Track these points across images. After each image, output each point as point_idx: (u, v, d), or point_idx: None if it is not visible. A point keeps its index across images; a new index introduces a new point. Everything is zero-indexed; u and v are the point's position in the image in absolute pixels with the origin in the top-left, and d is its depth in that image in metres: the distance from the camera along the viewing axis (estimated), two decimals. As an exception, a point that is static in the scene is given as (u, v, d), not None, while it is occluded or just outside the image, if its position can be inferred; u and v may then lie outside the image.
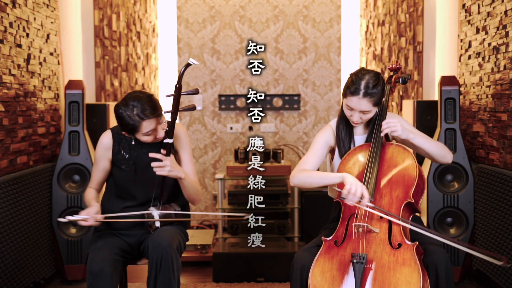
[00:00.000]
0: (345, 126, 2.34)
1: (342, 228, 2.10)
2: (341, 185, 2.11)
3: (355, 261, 1.94)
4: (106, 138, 2.38)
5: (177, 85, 2.18)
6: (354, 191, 2.03)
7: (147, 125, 2.20)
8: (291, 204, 3.95)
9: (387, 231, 2.02)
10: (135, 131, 2.22)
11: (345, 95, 2.23)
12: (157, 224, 2.25)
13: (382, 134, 2.18)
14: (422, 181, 2.16)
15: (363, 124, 2.35)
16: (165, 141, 2.23)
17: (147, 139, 2.25)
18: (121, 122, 2.22)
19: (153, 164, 2.20)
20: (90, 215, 2.19)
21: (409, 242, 1.98)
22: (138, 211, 2.32)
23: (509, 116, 2.97)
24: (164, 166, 2.18)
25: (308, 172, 2.24)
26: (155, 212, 2.25)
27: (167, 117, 2.28)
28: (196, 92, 2.22)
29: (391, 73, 2.41)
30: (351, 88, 2.18)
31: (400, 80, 2.34)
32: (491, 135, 3.20)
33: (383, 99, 2.27)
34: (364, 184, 2.11)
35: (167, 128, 2.25)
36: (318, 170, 2.37)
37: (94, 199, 2.34)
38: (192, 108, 2.25)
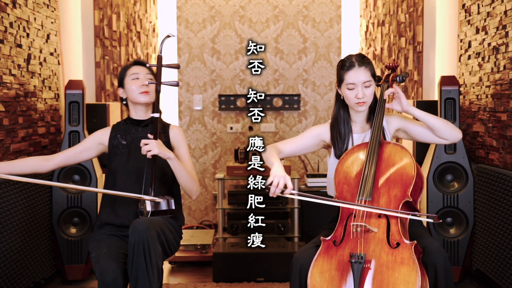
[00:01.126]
0: (342, 126, 2.35)
1: (341, 228, 2.10)
2: None
3: (353, 260, 1.94)
4: (107, 128, 2.56)
5: (159, 54, 2.30)
6: (276, 183, 2.07)
7: (135, 69, 2.48)
8: (291, 204, 3.96)
9: (385, 230, 2.02)
10: (125, 73, 2.49)
11: (341, 78, 2.29)
12: (148, 208, 2.24)
13: (384, 97, 2.25)
14: (420, 179, 2.16)
15: (363, 122, 2.36)
16: (151, 115, 2.30)
17: (133, 84, 2.45)
18: (119, 73, 2.55)
19: (142, 141, 2.26)
20: None
21: (407, 241, 1.98)
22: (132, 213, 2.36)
23: (509, 116, 2.97)
24: (151, 145, 2.24)
25: (271, 150, 2.32)
26: (147, 197, 2.25)
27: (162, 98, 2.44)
28: (177, 66, 2.35)
29: (389, 72, 2.41)
30: (346, 64, 2.28)
31: (398, 78, 2.35)
32: (491, 135, 3.20)
33: (384, 86, 2.33)
34: (362, 183, 2.11)
35: (152, 101, 2.43)
36: (300, 156, 2.41)
37: (17, 161, 2.37)
38: (176, 83, 2.32)
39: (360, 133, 2.36)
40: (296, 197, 2.11)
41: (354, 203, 2.10)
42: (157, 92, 2.32)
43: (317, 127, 2.41)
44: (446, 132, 2.23)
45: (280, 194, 2.09)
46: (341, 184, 2.19)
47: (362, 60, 2.27)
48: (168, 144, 2.46)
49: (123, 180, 2.40)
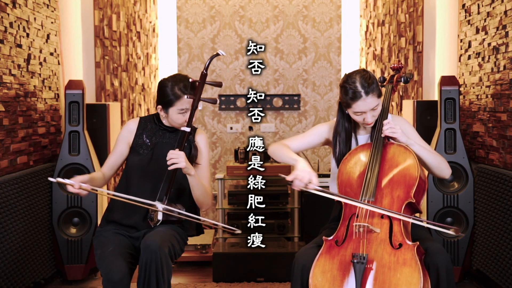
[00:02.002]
0: (345, 134, 2.33)
1: (343, 228, 2.10)
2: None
3: (355, 261, 1.94)
4: (132, 122, 2.49)
5: (204, 72, 2.24)
6: (301, 177, 2.05)
7: (186, 102, 2.32)
8: (291, 204, 3.96)
9: (387, 231, 2.01)
10: (172, 103, 2.34)
11: (347, 105, 2.21)
12: (159, 217, 2.23)
13: (383, 135, 2.19)
14: (423, 181, 2.16)
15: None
16: (182, 128, 2.26)
17: (178, 118, 2.35)
18: (162, 92, 2.36)
19: (169, 152, 2.22)
20: (76, 180, 2.16)
21: (410, 242, 1.97)
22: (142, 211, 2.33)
23: (508, 116, 2.98)
24: (178, 158, 2.21)
25: (281, 146, 2.30)
26: (160, 206, 2.24)
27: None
28: (220, 85, 2.32)
29: (393, 73, 2.41)
30: (350, 95, 2.17)
31: (402, 79, 2.34)
32: (491, 135, 3.20)
33: (383, 96, 2.29)
34: (365, 183, 2.11)
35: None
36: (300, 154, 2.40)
37: (87, 175, 2.31)
38: (214, 101, 2.30)
39: (364, 134, 2.35)
40: (320, 193, 2.09)
41: (384, 208, 2.06)
42: (194, 108, 2.26)
43: (322, 126, 2.42)
44: (435, 171, 2.24)
45: (303, 188, 2.08)
46: (344, 184, 2.18)
47: (367, 86, 2.16)
48: (192, 149, 2.42)
49: (140, 180, 2.38)
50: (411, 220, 2.08)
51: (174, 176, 2.25)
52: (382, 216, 2.06)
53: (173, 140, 2.42)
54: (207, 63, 2.23)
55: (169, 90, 2.34)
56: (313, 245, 2.15)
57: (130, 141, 2.46)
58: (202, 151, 2.46)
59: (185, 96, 2.30)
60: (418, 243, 1.97)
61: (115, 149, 2.47)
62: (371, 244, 1.99)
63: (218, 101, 2.31)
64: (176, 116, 2.36)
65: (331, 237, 2.08)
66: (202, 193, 2.36)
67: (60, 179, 2.16)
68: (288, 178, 2.07)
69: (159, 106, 2.40)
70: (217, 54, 2.23)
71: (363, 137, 2.35)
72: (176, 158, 2.21)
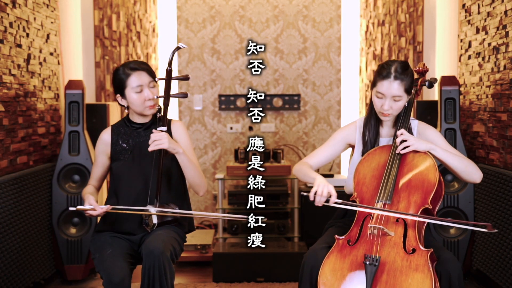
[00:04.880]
0: (373, 125, 2.29)
1: (356, 228, 2.07)
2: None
3: (367, 262, 1.92)
4: (105, 134, 2.43)
5: (168, 68, 2.20)
6: (321, 192, 2.02)
7: (135, 78, 2.29)
8: (291, 204, 3.95)
9: (402, 235, 1.99)
10: (124, 86, 2.30)
11: (375, 83, 2.21)
12: (155, 220, 2.22)
13: (397, 151, 2.14)
14: (441, 187, 2.12)
15: (390, 126, 2.31)
16: (158, 128, 2.23)
17: (136, 98, 2.30)
18: (114, 78, 2.34)
19: (152, 135, 2.20)
20: (93, 205, 2.21)
21: (423, 248, 1.94)
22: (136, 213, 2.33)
23: (509, 116, 2.97)
24: (161, 139, 2.18)
25: (302, 166, 2.26)
26: (152, 209, 2.23)
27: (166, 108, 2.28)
28: (186, 78, 2.26)
29: (417, 76, 2.38)
30: (383, 73, 2.17)
31: (427, 83, 2.30)
32: (491, 135, 3.20)
33: (412, 91, 2.25)
34: (382, 185, 2.09)
35: (160, 114, 2.25)
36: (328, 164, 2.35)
37: (90, 193, 2.33)
38: (184, 95, 2.25)
39: (387, 137, 2.31)
40: (342, 206, 2.06)
41: (405, 213, 2.03)
42: (166, 106, 2.21)
43: (341, 132, 2.36)
44: (464, 175, 2.18)
45: (325, 203, 2.05)
46: (361, 185, 2.15)
47: (400, 73, 2.15)
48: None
49: (128, 186, 2.35)
50: (432, 221, 2.03)
51: (160, 174, 2.23)
52: (397, 219, 2.03)
53: (149, 137, 2.34)
54: (170, 59, 2.16)
55: (120, 73, 2.32)
56: (323, 246, 2.11)
57: (108, 152, 2.41)
58: (182, 138, 2.44)
59: (135, 72, 2.28)
60: (432, 250, 1.94)
61: (96, 162, 2.45)
62: (384, 247, 1.97)
63: (188, 95, 2.26)
64: (134, 97, 2.29)
65: (343, 236, 2.05)
66: (195, 173, 2.33)
67: (80, 207, 2.21)
68: (309, 194, 2.05)
69: (118, 95, 2.36)
70: (178, 48, 2.17)
71: (385, 139, 2.30)
72: (159, 139, 2.18)
